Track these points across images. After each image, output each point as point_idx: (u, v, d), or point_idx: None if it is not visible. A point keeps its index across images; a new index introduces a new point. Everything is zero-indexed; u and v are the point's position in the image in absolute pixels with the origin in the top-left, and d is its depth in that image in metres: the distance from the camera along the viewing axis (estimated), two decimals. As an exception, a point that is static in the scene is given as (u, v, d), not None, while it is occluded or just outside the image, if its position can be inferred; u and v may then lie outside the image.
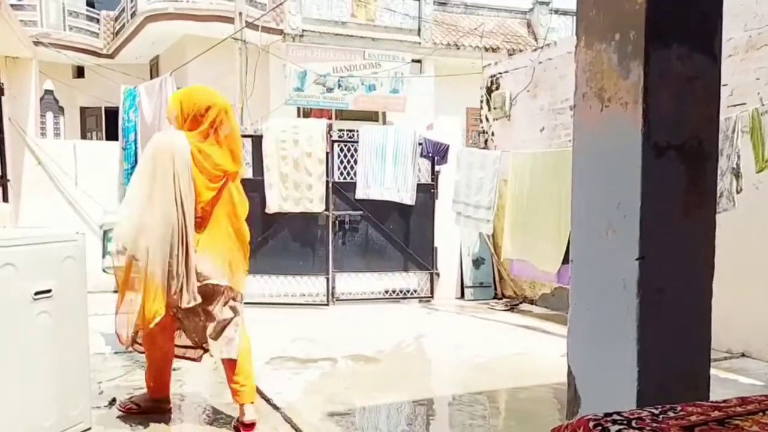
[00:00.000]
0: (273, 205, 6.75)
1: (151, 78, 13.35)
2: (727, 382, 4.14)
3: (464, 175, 6.94)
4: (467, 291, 7.50)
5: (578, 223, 2.12)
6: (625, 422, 1.19)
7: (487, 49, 13.53)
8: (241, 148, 3.44)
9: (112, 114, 13.48)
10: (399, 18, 13.82)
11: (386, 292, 7.30)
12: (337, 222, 7.06)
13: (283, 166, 6.74)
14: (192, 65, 10.81)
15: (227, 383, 3.37)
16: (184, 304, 3.13)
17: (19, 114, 7.99)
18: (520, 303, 7.23)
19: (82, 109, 16.39)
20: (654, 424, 1.19)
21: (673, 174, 1.89)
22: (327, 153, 6.86)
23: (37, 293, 2.87)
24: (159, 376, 3.49)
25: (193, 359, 3.57)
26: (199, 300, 3.15)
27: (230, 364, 3.30)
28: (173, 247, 3.09)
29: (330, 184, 6.94)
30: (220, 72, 11.21)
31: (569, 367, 2.13)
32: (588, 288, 2.07)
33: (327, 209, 6.92)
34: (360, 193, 7.02)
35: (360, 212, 7.11)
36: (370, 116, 13.63)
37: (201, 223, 3.22)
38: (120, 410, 3.51)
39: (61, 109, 14.87)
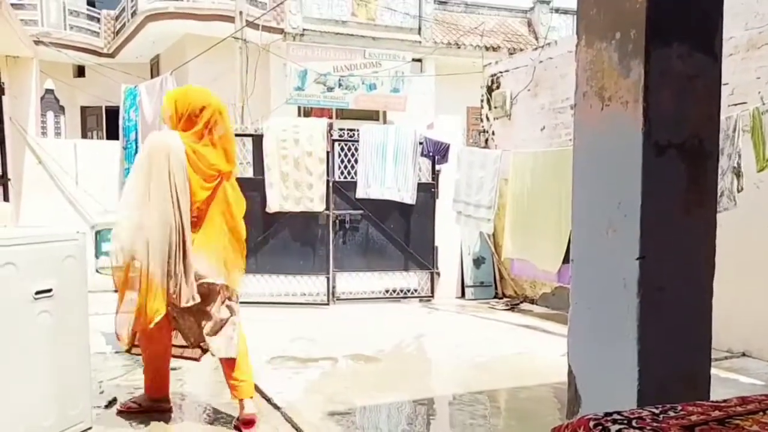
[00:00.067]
0: (273, 205, 6.75)
1: (152, 77, 13.35)
2: (727, 382, 4.14)
3: (465, 175, 6.94)
4: (468, 290, 7.50)
5: (579, 222, 2.11)
6: (625, 422, 1.19)
7: (487, 48, 13.51)
8: (235, 148, 3.46)
9: (112, 113, 13.48)
10: (399, 17, 13.81)
11: (387, 291, 7.30)
12: (337, 221, 7.06)
13: (283, 166, 6.74)
14: (192, 64, 10.80)
15: (226, 381, 3.38)
16: (184, 303, 3.13)
17: (19, 113, 7.99)
18: (521, 302, 7.23)
19: (83, 109, 16.39)
20: (654, 424, 1.18)
21: (673, 173, 1.89)
22: (327, 152, 6.87)
23: (37, 292, 2.87)
24: (157, 375, 3.49)
25: (193, 359, 3.57)
26: (198, 299, 3.15)
27: (229, 363, 3.32)
28: (171, 247, 3.10)
29: (330, 184, 6.94)
30: (221, 71, 11.21)
31: (570, 366, 2.13)
32: (588, 287, 2.06)
33: (327, 208, 6.92)
34: (360, 193, 7.02)
35: (360, 211, 7.11)
36: (371, 115, 13.62)
37: (196, 223, 3.24)
38: (120, 410, 3.52)
39: (62, 108, 14.87)
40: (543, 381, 4.25)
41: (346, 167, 7.22)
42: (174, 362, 3.67)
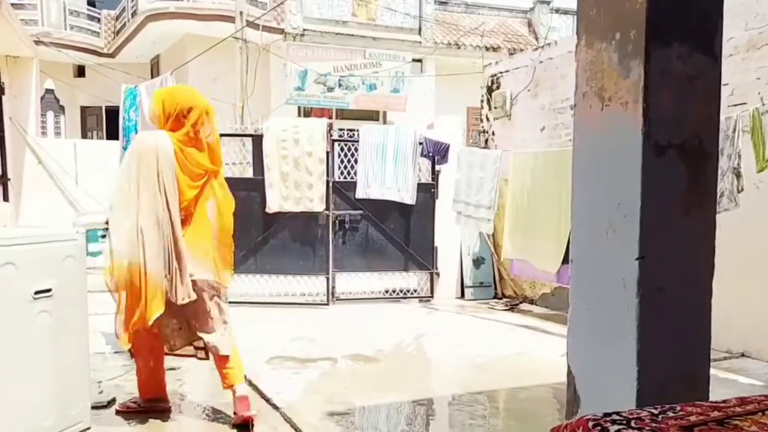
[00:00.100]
0: (273, 205, 6.75)
1: (152, 77, 13.35)
2: (726, 382, 4.14)
3: (465, 175, 6.94)
4: (467, 291, 7.50)
5: (578, 222, 2.11)
6: (624, 422, 1.19)
7: (487, 49, 13.51)
8: (221, 149, 3.51)
9: (112, 113, 13.47)
10: (400, 17, 13.81)
11: (386, 291, 7.30)
12: (337, 221, 7.06)
13: (283, 166, 6.74)
14: (193, 64, 10.81)
15: (218, 371, 3.43)
16: (180, 301, 3.17)
17: (19, 113, 8.00)
18: (520, 303, 7.23)
19: (83, 109, 16.39)
20: (653, 424, 1.18)
21: (673, 173, 1.89)
22: (327, 152, 6.86)
23: (37, 292, 2.87)
24: (151, 375, 3.49)
25: (188, 356, 3.59)
26: (195, 296, 3.20)
27: (222, 358, 3.37)
28: (164, 245, 3.13)
29: (330, 184, 6.94)
30: (221, 71, 11.22)
31: (569, 366, 2.13)
32: (588, 287, 2.06)
33: (327, 209, 6.92)
34: (360, 193, 7.02)
35: (360, 212, 7.11)
36: (371, 116, 13.62)
37: (184, 221, 3.28)
38: (119, 410, 3.52)
39: (62, 108, 14.88)
40: (542, 381, 4.25)
41: (346, 167, 7.22)
42: (173, 362, 3.67)
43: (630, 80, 1.88)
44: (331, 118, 11.77)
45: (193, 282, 3.24)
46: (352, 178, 7.12)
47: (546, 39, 11.19)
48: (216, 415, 3.57)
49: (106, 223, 3.24)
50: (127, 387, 3.85)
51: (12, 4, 7.51)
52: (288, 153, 6.74)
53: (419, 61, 14.01)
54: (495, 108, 7.65)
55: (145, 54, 15.00)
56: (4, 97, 7.41)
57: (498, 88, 7.70)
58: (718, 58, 1.95)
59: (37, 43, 10.54)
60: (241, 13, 10.50)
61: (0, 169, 7.22)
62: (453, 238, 7.43)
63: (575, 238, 2.13)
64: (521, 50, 12.58)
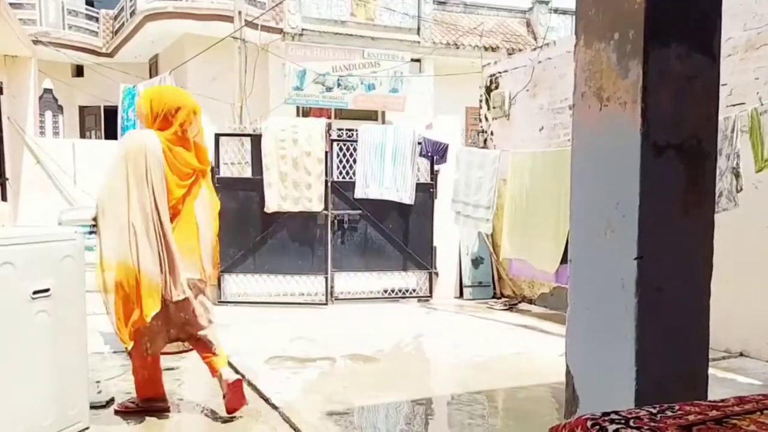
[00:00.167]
0: (272, 205, 6.75)
1: (151, 77, 13.33)
2: (725, 382, 4.15)
3: (463, 175, 6.94)
4: (466, 290, 7.50)
5: (577, 222, 2.12)
6: (623, 421, 1.19)
7: (486, 49, 13.52)
8: (207, 148, 3.55)
9: (111, 113, 13.45)
10: (398, 17, 13.81)
11: (385, 291, 7.30)
12: (336, 221, 7.06)
13: (282, 166, 6.74)
14: (191, 64, 10.80)
15: (202, 360, 3.49)
16: (175, 298, 3.21)
17: (18, 113, 7.99)
18: (519, 302, 7.23)
19: (81, 108, 16.37)
20: (652, 424, 1.18)
21: (671, 173, 1.89)
22: (326, 152, 6.86)
23: (35, 292, 2.87)
24: (150, 375, 3.49)
25: (174, 353, 3.63)
26: (189, 293, 3.23)
27: (207, 348, 3.46)
28: (156, 244, 3.17)
29: (329, 184, 6.93)
30: (220, 71, 11.21)
31: (567, 366, 2.13)
32: (587, 287, 2.07)
33: (326, 208, 6.92)
34: (359, 193, 7.02)
35: (359, 211, 7.11)
36: (370, 115, 13.61)
37: (172, 220, 3.31)
38: (118, 409, 3.51)
39: (60, 107, 14.85)
40: (541, 381, 4.25)
41: (344, 167, 7.22)
42: (171, 362, 3.68)
43: (628, 80, 1.89)
44: (329, 117, 11.77)
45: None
46: (350, 177, 7.12)
47: (545, 39, 11.19)
48: (214, 415, 3.56)
49: (94, 219, 3.26)
50: (126, 387, 3.85)
51: (10, 4, 7.50)
52: (287, 153, 6.74)
53: (418, 61, 14.01)
54: (494, 108, 7.65)
55: (144, 54, 14.98)
56: (2, 97, 7.40)
57: (497, 88, 7.70)
58: (717, 58, 1.95)
59: (36, 42, 10.53)
60: (239, 12, 10.49)
61: (-2, 168, 7.22)
62: (452, 238, 7.43)
63: (574, 238, 2.13)
64: (520, 50, 12.59)
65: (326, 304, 6.97)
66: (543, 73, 6.94)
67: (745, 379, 4.32)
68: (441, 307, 7.07)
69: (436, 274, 7.39)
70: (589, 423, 1.19)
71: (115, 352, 4.53)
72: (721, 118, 2.82)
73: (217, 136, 6.88)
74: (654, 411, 1.25)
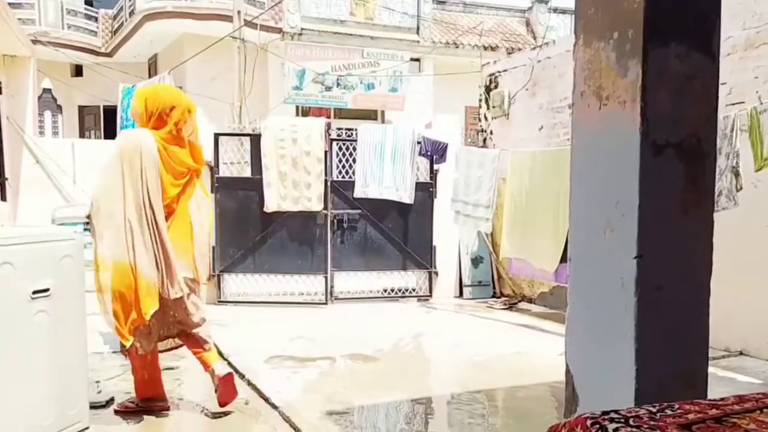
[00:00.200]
0: (271, 204, 6.75)
1: (150, 77, 13.33)
2: (725, 381, 4.15)
3: (463, 174, 6.94)
4: (466, 290, 7.51)
5: (576, 221, 2.12)
6: (622, 420, 1.19)
7: (485, 48, 13.52)
8: (203, 147, 3.56)
9: (110, 113, 13.45)
10: (398, 16, 13.81)
11: (385, 290, 7.30)
12: (335, 221, 7.06)
13: (281, 165, 6.74)
14: (190, 64, 10.79)
15: (195, 356, 3.52)
16: (173, 296, 3.23)
17: (17, 113, 7.98)
18: (519, 302, 7.23)
19: (81, 108, 16.35)
20: (652, 422, 1.18)
21: (671, 172, 1.89)
22: (326, 152, 6.86)
23: (35, 292, 2.87)
24: (149, 374, 3.50)
25: (166, 350, 3.65)
26: (187, 290, 3.25)
27: (200, 345, 3.50)
28: (151, 242, 3.18)
29: (329, 183, 6.93)
30: (219, 70, 11.20)
31: (567, 365, 2.13)
32: (586, 286, 2.06)
33: (325, 208, 6.92)
34: (358, 192, 7.01)
35: (359, 211, 7.11)
36: (369, 115, 13.61)
37: (167, 219, 3.33)
38: (117, 409, 3.51)
39: (59, 107, 14.84)
40: (541, 380, 4.25)
41: (344, 167, 7.21)
42: (171, 362, 3.68)
43: (628, 79, 1.88)
44: (329, 117, 11.77)
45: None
46: (350, 177, 7.12)
47: (544, 38, 11.19)
48: (214, 414, 3.56)
49: (88, 217, 3.27)
50: (126, 387, 3.85)
51: (9, 4, 7.50)
52: (286, 152, 6.74)
53: (417, 60, 14.00)
54: (493, 107, 7.65)
55: (143, 53, 14.97)
56: (1, 97, 7.40)
57: (496, 87, 7.70)
58: (716, 58, 1.95)
59: (35, 42, 10.52)
60: (238, 12, 10.49)
61: (-3, 168, 7.22)
62: (451, 238, 7.43)
63: (573, 237, 2.13)
64: (519, 49, 12.59)
65: (326, 303, 6.97)
66: (542, 72, 6.94)
67: (745, 377, 4.32)
68: (441, 306, 7.07)
69: (436, 273, 7.39)
70: (588, 422, 1.19)
71: (114, 352, 4.53)
72: (720, 117, 2.82)
73: (217, 135, 6.87)
74: (654, 410, 1.25)
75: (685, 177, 1.91)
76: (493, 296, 7.55)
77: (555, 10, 15.86)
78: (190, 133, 3.41)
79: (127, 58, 14.97)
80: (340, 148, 7.23)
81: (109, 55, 15.32)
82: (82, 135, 15.92)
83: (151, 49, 14.67)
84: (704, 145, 1.94)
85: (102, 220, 3.19)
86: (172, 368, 4.19)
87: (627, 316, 1.87)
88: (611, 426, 1.16)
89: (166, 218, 3.31)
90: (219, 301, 6.83)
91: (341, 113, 13.28)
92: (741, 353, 4.83)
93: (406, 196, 7.01)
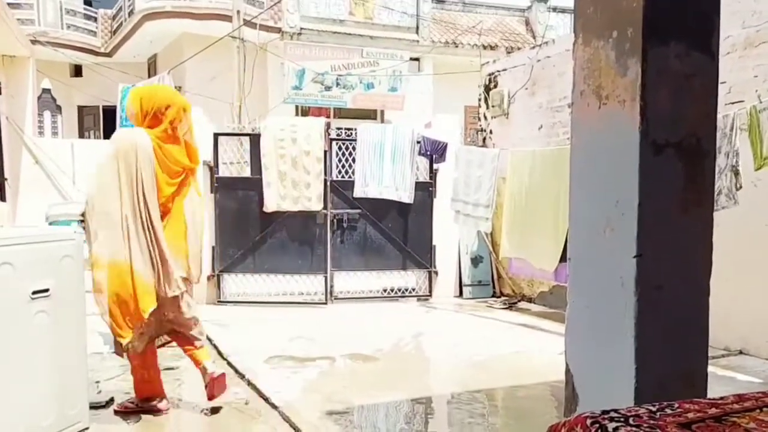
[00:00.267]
0: (271, 204, 6.75)
1: (149, 76, 13.32)
2: (724, 380, 4.15)
3: (463, 173, 6.94)
4: (465, 289, 7.51)
5: (576, 221, 2.12)
6: (622, 419, 1.19)
7: (485, 47, 13.52)
8: (198, 146, 3.55)
9: (109, 113, 13.44)
10: (397, 16, 13.80)
11: (385, 290, 7.30)
12: (335, 220, 7.06)
13: (281, 165, 6.74)
14: (190, 63, 10.79)
15: (186, 354, 3.54)
16: (170, 294, 3.25)
17: (16, 113, 7.98)
18: (519, 301, 7.23)
19: (80, 108, 16.34)
20: (651, 422, 1.18)
21: (671, 171, 1.89)
22: (325, 151, 6.86)
23: (34, 292, 2.87)
24: (148, 375, 3.50)
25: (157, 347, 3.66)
26: (184, 288, 3.27)
27: (191, 342, 3.51)
28: (146, 242, 3.19)
29: (328, 183, 6.93)
30: (218, 70, 11.20)
31: (567, 365, 2.13)
32: (586, 286, 2.06)
33: (325, 208, 6.92)
34: (358, 192, 7.01)
35: (358, 211, 7.11)
36: (369, 114, 13.61)
37: (162, 218, 3.33)
38: (117, 410, 3.51)
39: (59, 107, 14.82)
40: (540, 379, 4.25)
41: (343, 166, 7.21)
42: (171, 362, 3.68)
43: (627, 78, 1.88)
44: (328, 117, 11.77)
45: None
46: (349, 177, 7.12)
47: (543, 37, 11.20)
48: (214, 414, 3.56)
49: (82, 215, 3.27)
50: (125, 387, 3.85)
51: (8, 4, 7.49)
52: (286, 152, 6.74)
53: (417, 59, 14.00)
54: (493, 106, 7.65)
55: (142, 53, 14.97)
56: (0, 97, 7.40)
57: (495, 86, 7.70)
58: (716, 56, 1.95)
59: (34, 42, 10.52)
60: (238, 12, 10.48)
61: (-3, 169, 7.22)
62: (451, 237, 7.43)
63: (573, 236, 2.13)
64: (519, 49, 12.58)
65: (326, 303, 6.97)
66: (542, 71, 6.94)
67: (745, 376, 4.32)
68: (440, 306, 7.07)
69: (436, 273, 7.39)
70: (588, 421, 1.19)
71: (114, 352, 4.52)
72: (720, 116, 2.82)
73: (216, 135, 6.87)
74: (653, 409, 1.25)
75: (685, 176, 1.91)
76: (492, 296, 7.55)
77: (554, 9, 15.87)
78: (185, 132, 3.41)
79: (126, 58, 14.97)
80: (340, 148, 7.23)
81: (109, 55, 15.31)
82: (81, 135, 15.91)
83: (151, 49, 14.67)
84: (704, 144, 1.94)
85: (97, 218, 3.20)
86: (172, 368, 4.19)
87: (627, 315, 1.87)
88: (611, 425, 1.16)
89: (162, 218, 3.31)
90: (219, 301, 6.83)
91: (341, 113, 13.28)
92: (741, 352, 4.83)
93: (406, 196, 7.01)
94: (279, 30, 12.88)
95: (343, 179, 7.13)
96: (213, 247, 6.80)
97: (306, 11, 13.12)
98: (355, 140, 7.11)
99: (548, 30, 13.66)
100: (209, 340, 5.32)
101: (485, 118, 7.89)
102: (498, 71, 7.71)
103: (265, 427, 3.45)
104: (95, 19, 15.64)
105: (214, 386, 3.47)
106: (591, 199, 2.03)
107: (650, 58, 1.85)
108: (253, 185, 6.79)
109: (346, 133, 7.39)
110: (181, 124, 3.37)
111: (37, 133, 9.23)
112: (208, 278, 6.81)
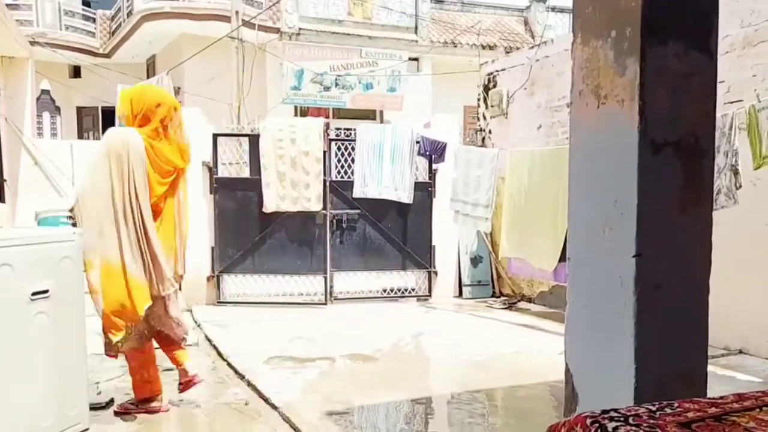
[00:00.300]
0: (270, 205, 6.75)
1: (148, 77, 13.32)
2: (724, 379, 4.15)
3: (462, 173, 6.94)
4: (465, 289, 7.51)
5: (575, 220, 2.12)
6: (622, 419, 1.19)
7: (484, 47, 13.51)
8: (189, 145, 3.55)
9: (108, 114, 13.40)
10: (396, 16, 13.80)
11: (384, 290, 7.30)
12: (334, 221, 7.05)
13: (280, 165, 6.74)
14: (188, 64, 10.79)
15: (167, 354, 3.58)
16: (163, 293, 3.27)
17: (15, 114, 7.98)
18: (518, 301, 7.23)
19: (79, 109, 16.33)
20: (651, 421, 1.19)
21: (669, 171, 1.89)
22: (324, 152, 6.86)
23: (34, 293, 2.87)
24: (147, 375, 3.50)
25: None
26: (177, 286, 3.28)
27: (176, 344, 3.55)
28: (135, 240, 3.20)
29: (327, 183, 6.93)
30: (217, 71, 11.19)
31: (567, 364, 2.13)
32: (585, 285, 2.06)
33: (324, 208, 6.92)
34: (357, 192, 7.01)
35: (358, 211, 7.11)
36: (368, 115, 13.61)
37: (154, 218, 3.35)
38: (117, 410, 3.51)
39: (58, 109, 14.81)
40: (540, 379, 4.25)
41: (343, 167, 7.21)
42: (171, 363, 3.67)
43: (626, 78, 1.88)
44: (327, 117, 11.75)
45: None
46: (349, 177, 7.12)
47: (542, 37, 11.21)
48: (214, 414, 3.56)
49: (70, 210, 3.27)
50: (125, 388, 3.85)
51: (7, 5, 7.49)
52: (285, 152, 6.73)
53: (416, 59, 14.00)
54: (492, 106, 7.65)
55: (141, 54, 14.96)
56: (-1, 98, 7.40)
57: (494, 86, 7.70)
58: (714, 56, 1.95)
59: (33, 43, 10.51)
60: (236, 12, 10.48)
61: (-4, 170, 7.21)
62: (451, 237, 7.43)
63: (572, 236, 2.13)
64: (517, 48, 12.58)
65: (325, 303, 6.97)
66: (541, 71, 6.94)
67: (744, 376, 4.33)
68: (440, 306, 7.07)
69: (435, 273, 7.39)
70: (588, 421, 1.19)
71: (105, 353, 4.52)
72: (718, 115, 2.82)
73: (215, 136, 6.87)
74: (653, 408, 1.25)
75: (684, 175, 1.91)
76: (492, 296, 7.55)
77: (553, 9, 15.87)
78: (176, 131, 3.42)
79: (125, 59, 14.96)
80: (339, 148, 7.23)
81: (107, 56, 15.30)
82: (80, 136, 15.90)
83: (150, 49, 14.66)
84: (702, 143, 1.94)
85: (87, 213, 3.20)
86: (172, 369, 4.19)
87: (626, 315, 1.87)
88: (611, 425, 1.16)
89: (154, 218, 3.32)
90: (218, 302, 6.83)
91: (340, 113, 13.28)
92: (740, 351, 4.83)
93: (405, 196, 7.01)
94: (278, 30, 12.87)
95: (342, 179, 7.13)
96: (212, 248, 6.80)
97: (304, 11, 13.12)
98: (354, 140, 7.11)
99: (547, 30, 13.66)
100: (208, 340, 5.33)
101: (484, 118, 7.90)
102: (497, 71, 7.71)
103: (265, 428, 3.45)
104: (94, 20, 15.63)
105: (188, 386, 3.55)
106: (590, 198, 2.03)
107: (649, 57, 1.85)
108: (252, 186, 6.79)
109: (345, 133, 7.40)
110: (171, 122, 3.39)
111: (36, 134, 9.22)
112: (208, 279, 6.81)
